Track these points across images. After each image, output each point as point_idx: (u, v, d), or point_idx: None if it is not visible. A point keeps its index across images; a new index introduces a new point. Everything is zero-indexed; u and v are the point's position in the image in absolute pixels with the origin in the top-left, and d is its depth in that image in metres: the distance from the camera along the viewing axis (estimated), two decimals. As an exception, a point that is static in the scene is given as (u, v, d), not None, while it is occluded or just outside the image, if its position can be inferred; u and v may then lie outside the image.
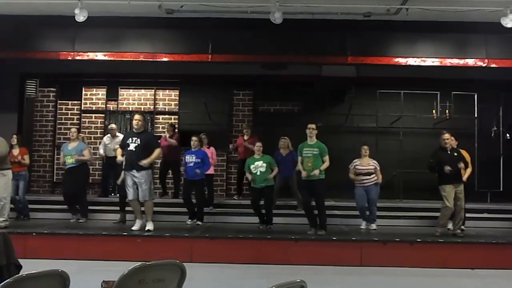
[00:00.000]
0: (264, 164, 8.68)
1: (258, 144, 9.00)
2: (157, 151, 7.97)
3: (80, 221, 9.10)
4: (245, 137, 10.69)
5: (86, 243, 7.59)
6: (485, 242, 7.85)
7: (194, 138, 9.04)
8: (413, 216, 9.88)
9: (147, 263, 2.57)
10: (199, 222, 8.89)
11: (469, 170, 8.46)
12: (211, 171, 10.01)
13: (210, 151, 9.99)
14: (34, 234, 7.68)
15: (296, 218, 9.22)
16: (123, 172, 8.15)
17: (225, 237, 7.93)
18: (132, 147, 7.81)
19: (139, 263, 2.54)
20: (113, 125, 10.95)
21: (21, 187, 9.33)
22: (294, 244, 7.63)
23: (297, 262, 7.22)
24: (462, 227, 8.40)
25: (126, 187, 7.94)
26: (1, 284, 2.16)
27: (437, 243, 7.69)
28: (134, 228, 7.94)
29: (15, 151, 9.35)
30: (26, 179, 9.51)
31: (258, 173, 8.66)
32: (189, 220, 9.05)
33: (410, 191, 11.48)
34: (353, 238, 8.06)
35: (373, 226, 8.95)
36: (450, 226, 8.57)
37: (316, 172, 7.81)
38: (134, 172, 7.78)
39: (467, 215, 9.29)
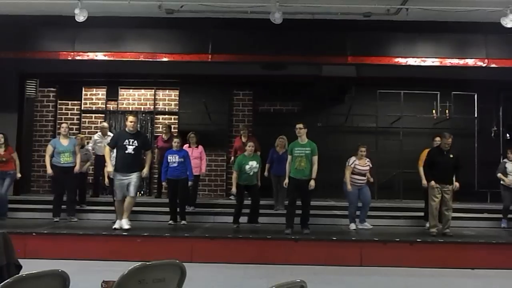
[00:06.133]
0: (258, 165, 8.85)
1: (251, 143, 9.01)
2: (149, 155, 8.32)
3: (73, 220, 9.08)
4: (243, 139, 10.65)
5: (86, 243, 7.59)
6: (485, 242, 7.85)
7: (176, 140, 9.11)
8: (413, 216, 9.86)
9: (147, 263, 2.57)
10: (184, 222, 8.87)
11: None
12: (198, 171, 9.83)
13: (199, 151, 9.94)
14: (34, 234, 7.69)
15: (296, 218, 9.21)
16: (108, 172, 8.30)
17: (225, 237, 7.93)
18: (130, 149, 7.97)
19: (139, 263, 2.54)
20: (105, 124, 11.01)
21: (6, 184, 9.17)
22: (294, 244, 7.63)
23: (297, 262, 7.22)
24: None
25: (117, 188, 8.03)
26: (1, 284, 2.16)
27: (437, 243, 7.69)
28: (116, 226, 8.03)
29: (1, 150, 9.22)
30: (12, 178, 9.33)
31: (252, 173, 8.76)
32: (171, 221, 8.92)
33: (410, 191, 11.46)
34: (353, 238, 8.07)
35: (368, 225, 8.99)
36: (427, 224, 8.59)
37: (312, 183, 7.90)
38: (129, 174, 7.92)
39: (467, 215, 9.33)
